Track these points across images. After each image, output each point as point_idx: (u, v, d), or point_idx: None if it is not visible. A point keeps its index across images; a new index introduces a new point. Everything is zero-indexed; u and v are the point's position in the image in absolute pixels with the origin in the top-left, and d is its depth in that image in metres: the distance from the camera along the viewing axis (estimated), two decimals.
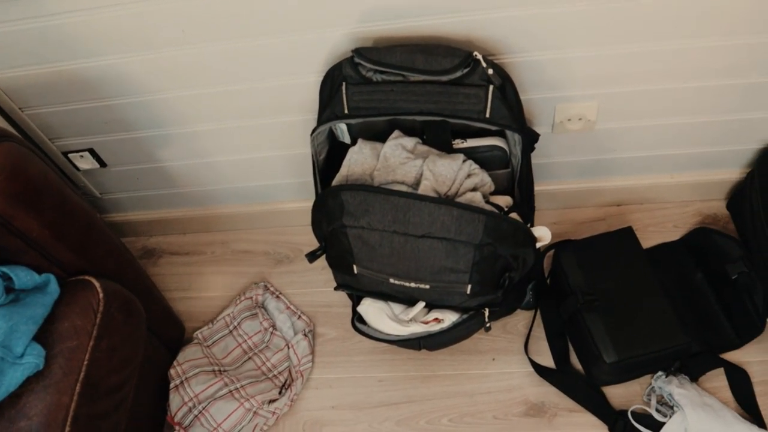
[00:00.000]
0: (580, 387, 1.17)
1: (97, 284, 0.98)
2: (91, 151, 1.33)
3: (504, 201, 1.04)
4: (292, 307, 1.38)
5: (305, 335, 1.31)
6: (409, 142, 1.00)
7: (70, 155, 1.34)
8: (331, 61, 1.05)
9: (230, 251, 1.53)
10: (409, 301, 1.03)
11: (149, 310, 1.19)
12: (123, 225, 1.57)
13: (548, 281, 1.28)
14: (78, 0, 0.98)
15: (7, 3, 0.98)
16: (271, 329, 1.33)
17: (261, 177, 1.39)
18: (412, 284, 0.96)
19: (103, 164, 1.36)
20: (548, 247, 1.30)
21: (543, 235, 1.01)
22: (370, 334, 1.06)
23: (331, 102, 1.02)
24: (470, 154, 1.01)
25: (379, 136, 1.05)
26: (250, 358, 1.31)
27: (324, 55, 1.06)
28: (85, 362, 0.91)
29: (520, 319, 1.28)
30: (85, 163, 1.36)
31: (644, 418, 1.11)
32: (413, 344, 1.04)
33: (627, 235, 1.21)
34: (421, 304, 1.01)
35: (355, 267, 0.99)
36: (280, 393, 1.23)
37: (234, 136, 1.27)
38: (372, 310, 1.05)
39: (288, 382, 1.26)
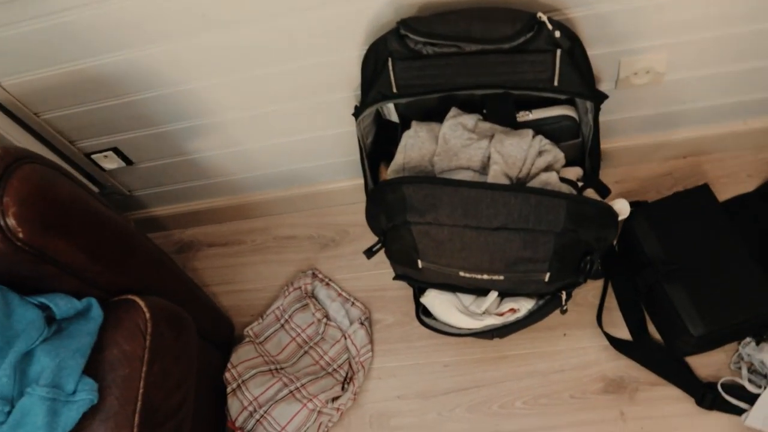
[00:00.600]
0: (662, 359, 1.10)
1: (141, 303, 0.92)
2: (115, 150, 1.24)
3: (574, 173, 0.95)
4: (344, 294, 1.32)
5: (362, 324, 1.25)
6: (470, 120, 0.90)
7: (93, 156, 1.25)
8: (372, 33, 0.94)
9: (272, 238, 1.46)
10: (479, 291, 0.96)
11: (196, 316, 1.13)
12: (155, 220, 1.50)
13: (617, 248, 1.19)
14: None
15: (8, 3, 0.89)
16: (324, 320, 1.27)
17: (300, 160, 1.30)
18: (485, 276, 0.88)
19: (129, 162, 1.28)
20: None
21: (622, 208, 0.91)
22: (439, 328, 0.99)
23: (376, 80, 0.92)
24: (538, 127, 0.91)
25: (431, 113, 0.95)
26: (306, 352, 1.26)
27: (364, 28, 0.95)
28: (141, 390, 0.86)
29: (589, 289, 1.20)
30: (110, 162, 1.28)
31: (735, 389, 1.04)
32: (486, 335, 0.97)
33: (703, 193, 1.11)
34: (494, 295, 0.94)
35: (419, 262, 0.91)
36: (342, 388, 1.18)
37: (268, 122, 1.17)
38: (438, 302, 0.98)
39: (349, 375, 1.21)
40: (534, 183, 0.85)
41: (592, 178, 0.93)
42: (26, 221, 0.79)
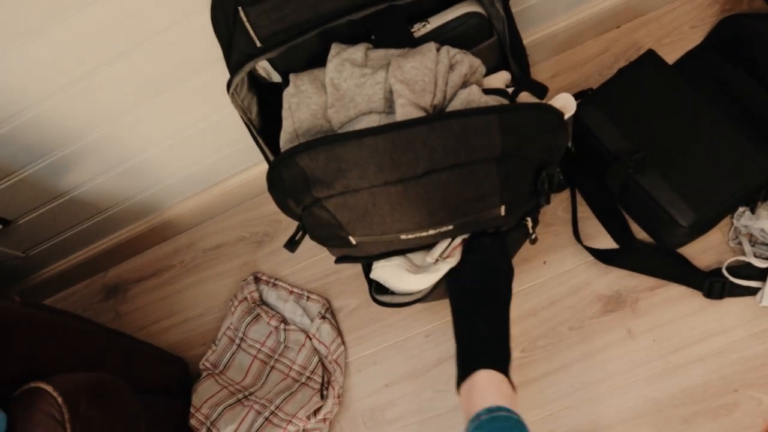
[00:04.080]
0: (655, 259, 0.97)
1: (48, 388, 0.75)
2: None
3: (501, 79, 0.79)
4: (295, 290, 1.16)
5: (323, 317, 1.10)
6: (357, 52, 0.72)
7: None
8: None
9: (201, 253, 1.28)
10: (430, 247, 0.81)
11: (136, 371, 0.98)
12: (69, 272, 1.31)
13: (573, 149, 1.04)
14: None
15: None
16: (282, 325, 1.11)
17: (198, 158, 1.11)
18: (431, 232, 0.73)
19: (4, 222, 1.08)
20: None
21: (566, 104, 0.76)
22: (398, 302, 0.84)
23: (234, 39, 0.74)
24: (441, 36, 0.74)
25: (316, 57, 0.77)
26: (272, 368, 1.10)
27: None
28: None
29: (557, 204, 1.06)
30: None
31: (742, 270, 0.91)
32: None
33: (650, 61, 0.96)
34: (445, 243, 0.79)
35: (351, 238, 0.75)
36: (322, 396, 1.04)
37: (141, 127, 0.98)
38: (388, 272, 0.82)
39: (326, 378, 1.06)
40: (455, 105, 0.68)
41: (522, 79, 0.77)
42: None
